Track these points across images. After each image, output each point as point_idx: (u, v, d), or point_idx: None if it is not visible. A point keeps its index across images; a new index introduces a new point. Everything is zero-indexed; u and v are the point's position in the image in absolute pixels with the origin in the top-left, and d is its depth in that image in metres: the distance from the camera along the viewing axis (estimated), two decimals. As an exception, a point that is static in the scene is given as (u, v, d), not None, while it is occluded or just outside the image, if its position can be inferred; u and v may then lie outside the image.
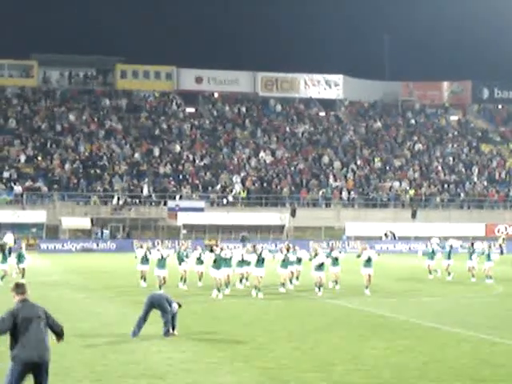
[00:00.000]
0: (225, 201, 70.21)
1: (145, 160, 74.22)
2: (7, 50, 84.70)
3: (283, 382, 13.99)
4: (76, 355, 16.20)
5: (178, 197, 68.32)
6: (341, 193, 73.56)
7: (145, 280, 31.74)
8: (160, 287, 28.47)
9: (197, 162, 75.22)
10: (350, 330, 20.13)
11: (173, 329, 18.96)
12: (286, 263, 30.06)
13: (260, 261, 28.63)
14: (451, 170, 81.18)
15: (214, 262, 28.17)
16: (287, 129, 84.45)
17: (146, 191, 68.63)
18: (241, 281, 31.27)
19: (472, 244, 37.39)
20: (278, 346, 17.57)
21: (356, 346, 17.62)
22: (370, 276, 29.26)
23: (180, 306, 19.24)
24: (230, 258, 29.42)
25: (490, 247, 35.89)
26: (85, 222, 64.86)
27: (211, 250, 29.22)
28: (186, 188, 70.18)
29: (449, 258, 37.32)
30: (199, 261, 31.03)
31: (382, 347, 17.52)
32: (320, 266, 28.92)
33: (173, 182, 70.79)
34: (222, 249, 29.60)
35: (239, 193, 70.70)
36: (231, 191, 70.70)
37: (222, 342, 18.11)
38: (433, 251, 37.70)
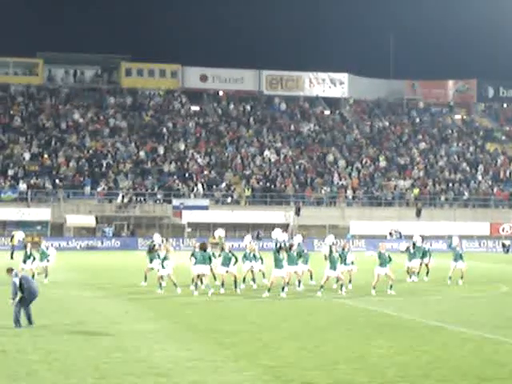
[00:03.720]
0: (229, 199, 70.22)
1: (149, 158, 74.24)
2: (13, 48, 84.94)
3: (287, 381, 13.98)
4: (80, 353, 16.20)
5: (186, 194, 68.46)
6: (345, 191, 73.52)
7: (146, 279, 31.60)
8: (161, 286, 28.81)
9: (201, 160, 75.20)
10: (354, 329, 20.12)
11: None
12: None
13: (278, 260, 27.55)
14: (456, 169, 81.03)
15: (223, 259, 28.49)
16: (292, 127, 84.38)
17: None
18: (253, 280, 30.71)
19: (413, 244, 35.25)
20: (283, 345, 17.56)
21: (360, 345, 17.60)
22: (387, 275, 28.81)
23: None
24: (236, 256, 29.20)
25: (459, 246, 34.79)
26: (89, 220, 64.93)
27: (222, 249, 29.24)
28: (190, 186, 70.20)
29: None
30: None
31: (387, 346, 17.50)
32: (335, 265, 28.15)
33: (177, 181, 70.80)
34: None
35: (244, 191, 70.73)
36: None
37: (227, 341, 18.10)
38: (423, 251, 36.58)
